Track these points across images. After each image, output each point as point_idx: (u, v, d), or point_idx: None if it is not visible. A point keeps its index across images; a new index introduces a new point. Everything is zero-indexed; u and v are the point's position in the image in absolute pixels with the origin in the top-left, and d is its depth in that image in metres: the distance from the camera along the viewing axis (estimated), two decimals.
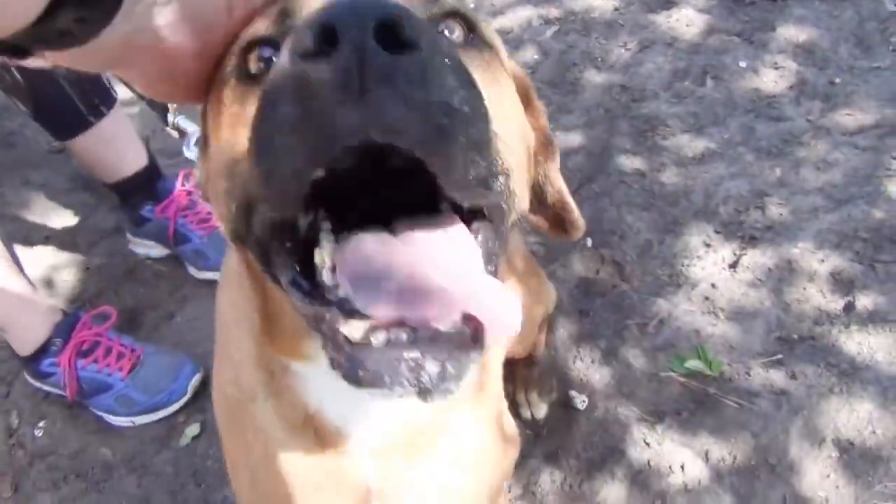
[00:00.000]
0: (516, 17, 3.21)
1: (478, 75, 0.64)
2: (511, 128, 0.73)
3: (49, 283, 2.48)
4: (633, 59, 2.85)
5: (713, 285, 2.02)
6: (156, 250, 2.47)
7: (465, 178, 0.57)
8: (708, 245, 2.14)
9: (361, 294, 0.58)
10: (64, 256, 2.58)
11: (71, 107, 2.18)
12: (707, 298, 2.00)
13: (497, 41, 0.79)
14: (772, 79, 2.62)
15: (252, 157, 0.59)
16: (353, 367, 0.57)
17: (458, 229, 0.65)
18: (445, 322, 0.57)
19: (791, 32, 2.79)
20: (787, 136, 2.38)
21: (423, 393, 0.56)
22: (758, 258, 2.06)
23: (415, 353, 0.56)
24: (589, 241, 2.20)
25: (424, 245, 0.62)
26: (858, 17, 2.79)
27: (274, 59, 0.68)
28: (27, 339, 2.04)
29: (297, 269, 0.66)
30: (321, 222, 0.65)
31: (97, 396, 2.04)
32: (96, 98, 2.21)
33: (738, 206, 2.21)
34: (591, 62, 2.88)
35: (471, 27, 0.73)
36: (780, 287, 1.98)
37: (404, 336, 0.56)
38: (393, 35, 0.50)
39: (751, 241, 2.11)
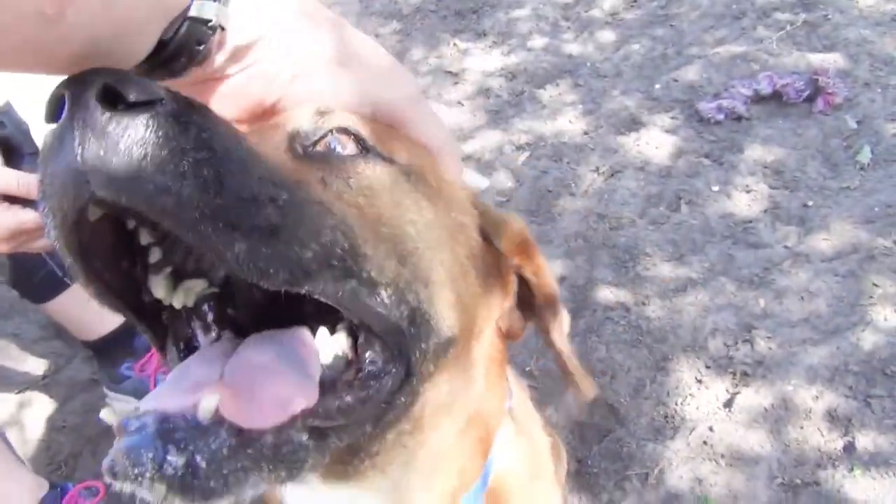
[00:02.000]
0: (486, 142, 3.25)
1: (351, 182, 0.68)
2: (408, 241, 0.71)
3: (22, 442, 2.38)
4: (606, 185, 2.88)
5: (710, 428, 2.00)
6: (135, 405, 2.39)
7: (232, 254, 0.54)
8: (700, 381, 2.13)
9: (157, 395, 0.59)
10: (37, 412, 2.49)
11: (47, 271, 2.13)
12: (706, 443, 1.98)
13: (424, 158, 0.79)
14: (745, 202, 2.67)
15: None
16: (109, 459, 0.54)
17: (307, 338, 0.66)
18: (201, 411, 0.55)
19: (758, 153, 2.85)
20: (766, 263, 2.41)
21: (176, 489, 0.52)
22: (751, 397, 2.04)
23: (156, 444, 0.53)
24: None
25: (251, 350, 0.63)
26: (822, 134, 2.86)
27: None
28: None
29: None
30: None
31: None
32: None
33: (727, 339, 2.21)
34: (566, 188, 2.91)
35: (363, 145, 0.73)
36: (778, 427, 1.97)
37: (150, 422, 0.54)
38: (123, 99, 0.52)
39: (743, 377, 2.11)
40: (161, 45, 0.65)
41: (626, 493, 1.91)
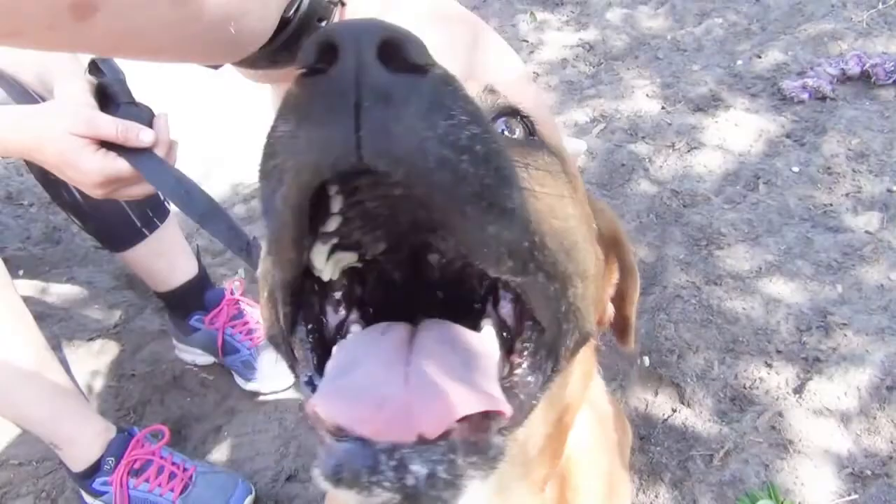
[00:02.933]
0: (561, 114, 3.21)
1: (531, 169, 0.64)
2: (571, 234, 0.69)
3: (92, 389, 2.45)
4: (681, 162, 2.82)
5: (779, 413, 1.96)
6: (202, 358, 2.44)
7: (482, 236, 0.52)
8: (770, 366, 2.08)
9: (332, 401, 0.53)
10: (108, 360, 2.56)
11: (125, 221, 2.17)
12: (773, 428, 1.93)
13: (565, 153, 0.76)
14: (826, 185, 2.59)
15: (262, 207, 0.56)
16: (331, 463, 0.51)
17: (480, 336, 0.62)
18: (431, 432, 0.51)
19: (843, 135, 2.76)
20: (846, 248, 2.34)
21: (411, 499, 0.50)
22: (824, 384, 1.99)
23: (399, 453, 0.50)
24: (647, 360, 2.15)
25: (429, 348, 0.59)
26: None
27: None
28: (80, 457, 2.00)
29: (315, 367, 0.63)
30: (350, 324, 0.63)
31: None
32: (150, 211, 2.20)
33: (800, 324, 2.16)
34: (640, 163, 2.86)
35: (531, 130, 0.71)
36: (849, 417, 1.92)
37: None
38: (400, 58, 0.48)
39: (815, 363, 2.05)
40: (283, 23, 0.63)
41: (689, 473, 1.89)
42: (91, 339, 2.65)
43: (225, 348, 2.34)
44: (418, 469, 0.49)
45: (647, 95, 3.19)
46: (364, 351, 0.59)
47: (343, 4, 0.66)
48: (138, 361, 2.53)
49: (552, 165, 0.71)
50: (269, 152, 0.53)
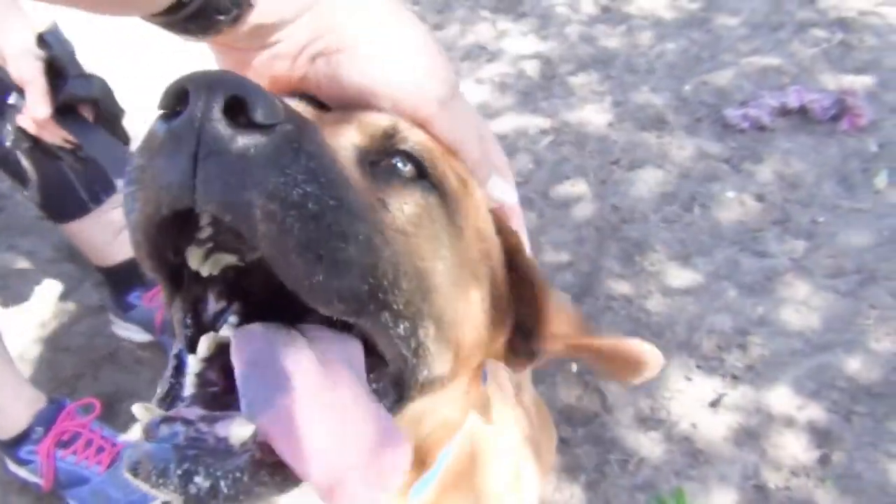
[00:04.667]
0: (512, 123, 3.29)
1: (401, 212, 0.68)
2: (433, 277, 0.71)
3: (25, 359, 2.45)
4: (624, 178, 2.92)
5: (694, 425, 2.05)
6: (139, 335, 2.46)
7: (308, 283, 0.56)
8: (689, 379, 2.18)
9: (250, 398, 0.58)
10: (44, 332, 2.56)
11: (72, 193, 2.19)
12: (687, 438, 2.03)
13: (460, 195, 0.78)
14: (758, 211, 2.70)
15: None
16: (134, 457, 0.56)
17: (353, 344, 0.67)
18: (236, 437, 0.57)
19: (777, 165, 2.88)
20: (770, 273, 2.45)
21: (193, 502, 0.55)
22: (737, 399, 2.09)
23: (188, 462, 0.55)
24: (574, 366, 2.23)
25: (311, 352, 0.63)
26: (842, 154, 2.89)
27: None
28: (7, 425, 2.01)
29: (187, 346, 0.68)
30: (229, 315, 0.68)
31: (73, 489, 2.02)
32: (98, 185, 2.22)
33: (721, 342, 2.26)
34: (584, 176, 2.95)
35: (421, 172, 0.74)
36: (759, 432, 2.02)
37: (181, 436, 0.56)
38: (246, 115, 0.52)
39: (732, 379, 2.16)
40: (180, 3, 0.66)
41: (605, 475, 1.97)
42: (27, 310, 2.65)
43: (163, 326, 2.36)
44: (201, 481, 0.54)
45: (597, 112, 3.29)
46: (246, 359, 0.63)
47: (251, 6, 0.69)
48: (74, 335, 2.54)
49: (434, 206, 0.74)
50: (128, 179, 0.58)
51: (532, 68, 3.67)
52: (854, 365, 2.13)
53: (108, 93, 1.61)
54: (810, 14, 3.69)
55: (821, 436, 2.00)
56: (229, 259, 0.67)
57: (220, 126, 0.52)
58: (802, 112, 3.09)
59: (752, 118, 3.06)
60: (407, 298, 0.67)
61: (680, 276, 2.48)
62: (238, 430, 0.57)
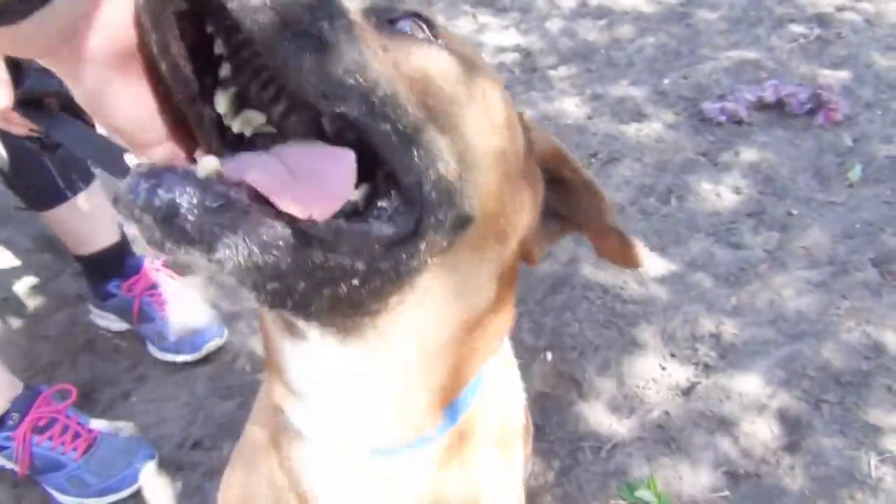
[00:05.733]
0: None
1: (407, 51, 0.71)
2: (447, 102, 0.74)
3: (2, 348, 2.45)
4: (602, 170, 2.94)
5: (667, 412, 2.08)
6: (117, 324, 2.46)
7: (300, 67, 0.60)
8: (664, 368, 2.20)
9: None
10: (22, 321, 2.56)
11: (49, 180, 2.19)
12: (660, 426, 2.05)
13: (474, 60, 0.81)
14: (733, 203, 2.73)
15: None
16: (118, 192, 0.59)
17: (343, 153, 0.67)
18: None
19: (753, 158, 2.91)
20: (744, 264, 2.48)
21: (164, 224, 0.56)
22: (710, 388, 2.12)
23: (154, 181, 0.57)
24: (549, 355, 2.25)
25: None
26: (818, 148, 2.93)
27: None
28: None
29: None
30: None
31: (49, 474, 2.02)
32: (75, 174, 2.22)
33: (695, 331, 2.28)
34: None
35: (434, 34, 0.77)
36: (731, 419, 2.05)
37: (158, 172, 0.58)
38: None
39: (705, 368, 2.18)
40: None
41: (578, 462, 1.99)
42: (5, 298, 2.65)
43: (140, 316, 2.36)
44: (163, 194, 0.56)
45: (576, 105, 3.31)
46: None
47: None
48: (52, 323, 2.53)
49: (446, 61, 0.75)
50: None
51: (512, 61, 3.69)
52: (825, 354, 2.16)
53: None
54: (788, 9, 3.73)
55: (791, 424, 2.02)
56: (259, 119, 0.69)
57: None
58: (779, 106, 3.13)
59: (730, 112, 3.10)
60: (415, 125, 0.68)
61: (656, 267, 2.51)
62: (205, 165, 0.59)
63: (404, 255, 0.70)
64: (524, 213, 0.88)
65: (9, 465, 2.05)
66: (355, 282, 0.67)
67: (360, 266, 0.66)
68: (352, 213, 0.68)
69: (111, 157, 1.41)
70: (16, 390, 2.03)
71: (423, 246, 0.71)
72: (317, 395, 0.84)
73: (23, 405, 2.03)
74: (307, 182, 0.63)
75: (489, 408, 0.98)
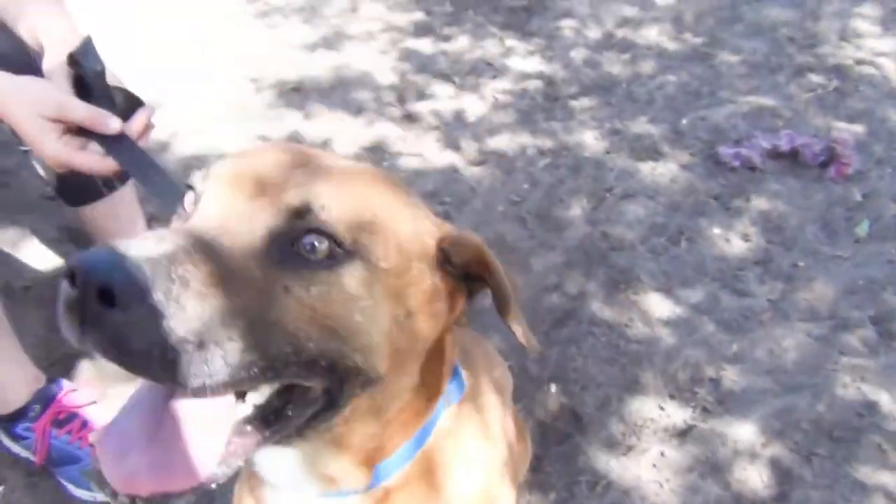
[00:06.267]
0: (511, 142, 3.38)
1: (307, 287, 0.83)
2: (345, 325, 0.86)
3: (21, 337, 2.51)
4: (616, 206, 3.02)
5: (662, 453, 2.15)
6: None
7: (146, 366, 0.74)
8: (662, 409, 2.28)
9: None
10: (42, 310, 2.63)
11: (87, 178, 2.25)
12: (655, 466, 2.13)
13: (378, 255, 0.89)
14: (741, 250, 2.80)
15: None
16: None
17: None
18: None
19: (764, 205, 2.99)
20: (747, 311, 2.55)
21: None
22: (706, 432, 2.19)
23: None
24: (553, 387, 2.33)
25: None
26: (828, 201, 3.00)
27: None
28: (6, 400, 2.09)
29: None
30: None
31: (64, 467, 2.09)
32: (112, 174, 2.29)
33: (694, 374, 2.36)
34: (577, 201, 3.04)
35: (337, 242, 0.85)
36: (723, 465, 2.12)
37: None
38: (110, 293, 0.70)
39: (703, 412, 2.26)
40: None
41: (574, 496, 2.07)
42: (27, 287, 2.72)
43: None
44: None
45: (595, 138, 3.38)
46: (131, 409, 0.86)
47: None
48: None
49: (347, 277, 0.86)
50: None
51: (535, 88, 3.76)
52: (819, 408, 2.23)
53: (133, 106, 1.68)
54: (808, 58, 3.81)
55: (782, 474, 2.10)
56: None
57: (94, 306, 0.70)
58: (793, 155, 3.20)
59: (744, 157, 3.17)
60: (320, 350, 0.84)
61: (661, 307, 2.58)
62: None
63: (325, 416, 0.92)
64: (440, 323, 1.01)
65: (25, 454, 2.12)
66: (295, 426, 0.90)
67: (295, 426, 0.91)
68: (271, 412, 0.89)
69: (155, 176, 1.48)
70: (39, 383, 2.11)
71: (339, 408, 0.92)
72: (273, 467, 1.06)
73: (45, 398, 2.10)
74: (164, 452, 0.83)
75: (452, 446, 1.14)
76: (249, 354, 0.77)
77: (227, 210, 0.86)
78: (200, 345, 0.74)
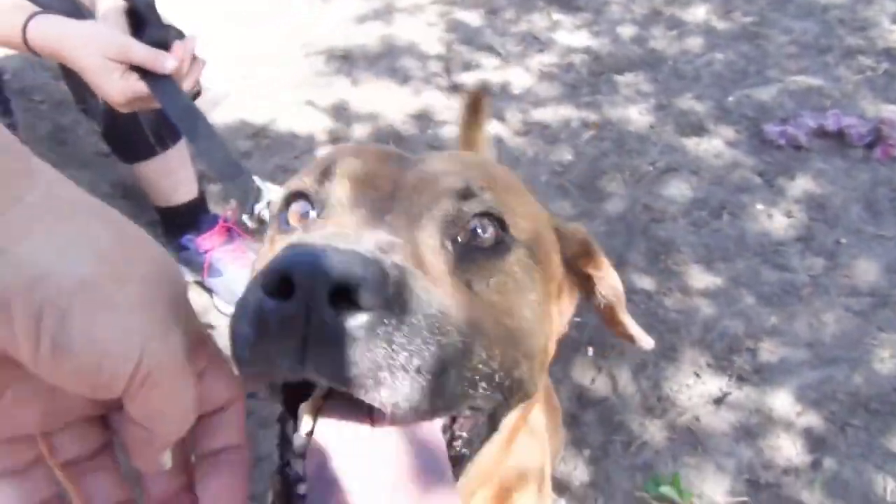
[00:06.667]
0: (557, 114, 3.41)
1: (487, 278, 0.75)
2: (524, 327, 0.78)
3: None
4: (658, 180, 3.04)
5: (697, 418, 2.19)
6: (187, 276, 2.61)
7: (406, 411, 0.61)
8: (698, 376, 2.31)
9: (317, 492, 0.63)
10: None
11: (141, 136, 2.34)
12: (689, 429, 2.16)
13: (539, 239, 0.85)
14: (783, 226, 2.81)
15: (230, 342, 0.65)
16: None
17: (430, 428, 0.70)
18: None
19: (809, 184, 2.99)
20: (788, 286, 2.56)
21: None
22: (742, 400, 2.22)
23: None
24: (590, 351, 2.37)
25: (388, 442, 0.67)
26: (873, 181, 2.99)
27: (310, 213, 0.81)
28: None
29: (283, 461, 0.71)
30: (301, 415, 0.69)
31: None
32: (165, 131, 2.37)
33: (733, 344, 2.38)
34: (620, 174, 3.07)
35: (503, 226, 0.79)
36: (757, 432, 2.15)
37: None
38: (346, 293, 0.55)
39: (738, 381, 2.28)
40: None
41: (608, 454, 2.11)
42: None
43: (210, 270, 2.52)
44: None
45: (640, 113, 3.40)
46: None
47: None
48: None
49: (517, 265, 0.79)
50: (238, 350, 0.63)
51: (581, 62, 3.78)
52: (856, 381, 2.25)
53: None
54: (859, 41, 3.77)
55: (815, 442, 2.12)
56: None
57: (327, 314, 0.55)
58: (839, 136, 3.18)
59: (790, 136, 3.16)
60: (500, 360, 0.73)
61: (701, 279, 2.60)
62: None
63: (484, 445, 0.80)
64: (562, 323, 0.96)
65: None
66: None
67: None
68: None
69: (194, 122, 1.55)
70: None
71: (497, 432, 0.82)
72: None
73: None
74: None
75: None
76: (463, 376, 0.67)
77: (375, 209, 0.75)
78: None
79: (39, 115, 3.40)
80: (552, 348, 0.90)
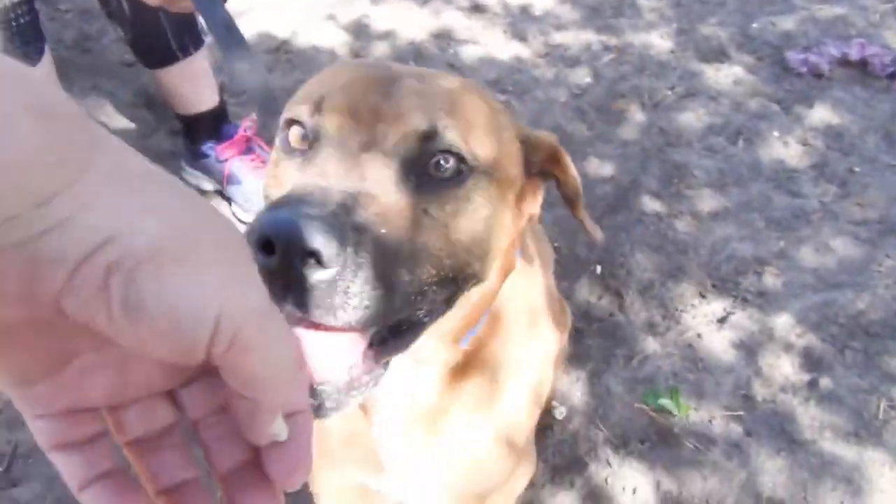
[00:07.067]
0: (577, 38, 3.39)
1: (444, 205, 0.89)
2: (479, 240, 0.94)
3: None
4: (676, 104, 3.04)
5: (699, 335, 2.24)
6: (206, 184, 2.67)
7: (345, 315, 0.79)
8: (703, 296, 2.35)
9: None
10: None
11: (163, 41, 2.37)
12: (690, 346, 2.22)
13: (489, 160, 0.95)
14: (798, 154, 2.82)
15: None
16: None
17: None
18: None
19: (827, 112, 2.98)
20: (798, 211, 2.59)
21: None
22: (744, 320, 2.27)
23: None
24: (598, 269, 2.42)
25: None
26: (892, 111, 2.98)
27: (308, 135, 0.94)
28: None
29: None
30: None
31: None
32: (187, 37, 2.40)
33: (739, 267, 2.42)
34: (638, 97, 3.07)
35: (462, 159, 0.91)
36: (757, 351, 2.20)
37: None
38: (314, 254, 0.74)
39: (742, 302, 2.33)
40: None
41: (609, 366, 2.17)
42: None
43: (230, 178, 2.57)
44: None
45: (661, 37, 3.38)
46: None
47: None
48: None
49: (474, 191, 0.92)
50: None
51: None
52: (858, 305, 2.28)
53: None
54: None
55: (814, 362, 2.17)
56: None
57: (299, 271, 0.74)
58: (862, 65, 3.16)
59: (812, 64, 3.15)
60: (452, 266, 0.90)
61: (712, 203, 2.63)
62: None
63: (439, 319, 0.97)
64: (524, 219, 1.10)
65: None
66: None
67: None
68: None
69: (228, 29, 1.57)
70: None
71: (454, 301, 0.98)
72: None
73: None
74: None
75: (510, 300, 1.21)
76: (413, 285, 0.84)
77: (356, 144, 0.89)
78: (383, 280, 0.79)
79: (65, 24, 3.43)
80: (508, 240, 1.04)
